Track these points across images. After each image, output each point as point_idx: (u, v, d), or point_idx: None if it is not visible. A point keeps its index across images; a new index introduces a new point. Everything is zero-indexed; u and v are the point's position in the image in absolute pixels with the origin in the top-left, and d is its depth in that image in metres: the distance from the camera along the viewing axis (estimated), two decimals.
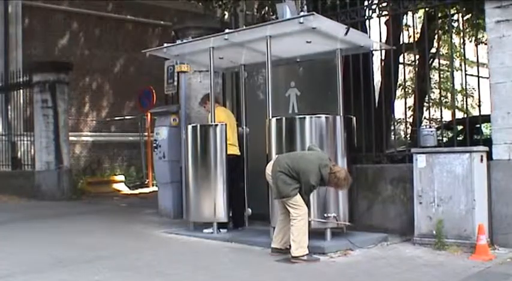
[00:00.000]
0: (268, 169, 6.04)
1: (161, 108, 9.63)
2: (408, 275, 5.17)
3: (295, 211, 5.72)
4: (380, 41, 8.19)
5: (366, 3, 7.90)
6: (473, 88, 9.46)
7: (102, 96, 17.72)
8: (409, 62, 12.54)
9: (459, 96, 14.74)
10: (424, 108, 11.08)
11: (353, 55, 7.46)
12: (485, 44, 6.48)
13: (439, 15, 9.82)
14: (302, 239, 5.70)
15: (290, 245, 5.80)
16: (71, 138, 13.61)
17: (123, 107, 17.95)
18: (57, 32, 16.76)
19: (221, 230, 7.23)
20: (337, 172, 5.73)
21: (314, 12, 6.10)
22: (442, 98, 8.44)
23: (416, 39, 9.59)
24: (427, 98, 9.23)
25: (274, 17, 8.90)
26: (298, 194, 5.73)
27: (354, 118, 6.89)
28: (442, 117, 7.62)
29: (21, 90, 13.78)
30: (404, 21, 9.80)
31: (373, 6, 7.60)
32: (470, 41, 12.02)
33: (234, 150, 7.47)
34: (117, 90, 17.74)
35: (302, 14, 6.33)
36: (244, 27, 7.81)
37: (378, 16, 7.52)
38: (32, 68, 13.30)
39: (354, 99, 7.49)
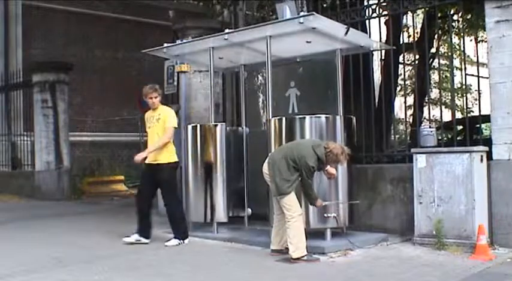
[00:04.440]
0: (265, 167, 6.02)
1: None
2: (408, 275, 5.17)
3: (289, 213, 5.70)
4: (380, 41, 8.18)
5: (365, 3, 7.90)
6: (473, 87, 9.39)
7: (102, 96, 17.68)
8: (409, 62, 12.55)
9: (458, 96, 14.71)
10: (424, 108, 11.07)
11: (353, 55, 7.46)
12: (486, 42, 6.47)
13: (439, 15, 9.81)
14: (299, 240, 5.68)
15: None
16: (70, 138, 13.59)
17: (123, 107, 17.92)
18: (57, 32, 16.76)
19: None
20: (333, 148, 5.71)
21: (314, 12, 6.11)
22: (442, 97, 8.43)
23: (416, 39, 9.59)
24: (427, 98, 9.24)
25: (274, 17, 8.89)
26: (293, 192, 5.71)
27: (354, 118, 6.90)
28: (442, 117, 7.62)
29: (21, 90, 13.79)
30: (404, 21, 9.80)
31: (373, 6, 7.61)
32: (476, 42, 12.01)
33: None
34: (117, 90, 17.69)
35: (302, 14, 6.34)
36: (244, 27, 7.82)
37: (377, 16, 7.52)
38: (32, 68, 13.31)
39: (354, 99, 7.49)
